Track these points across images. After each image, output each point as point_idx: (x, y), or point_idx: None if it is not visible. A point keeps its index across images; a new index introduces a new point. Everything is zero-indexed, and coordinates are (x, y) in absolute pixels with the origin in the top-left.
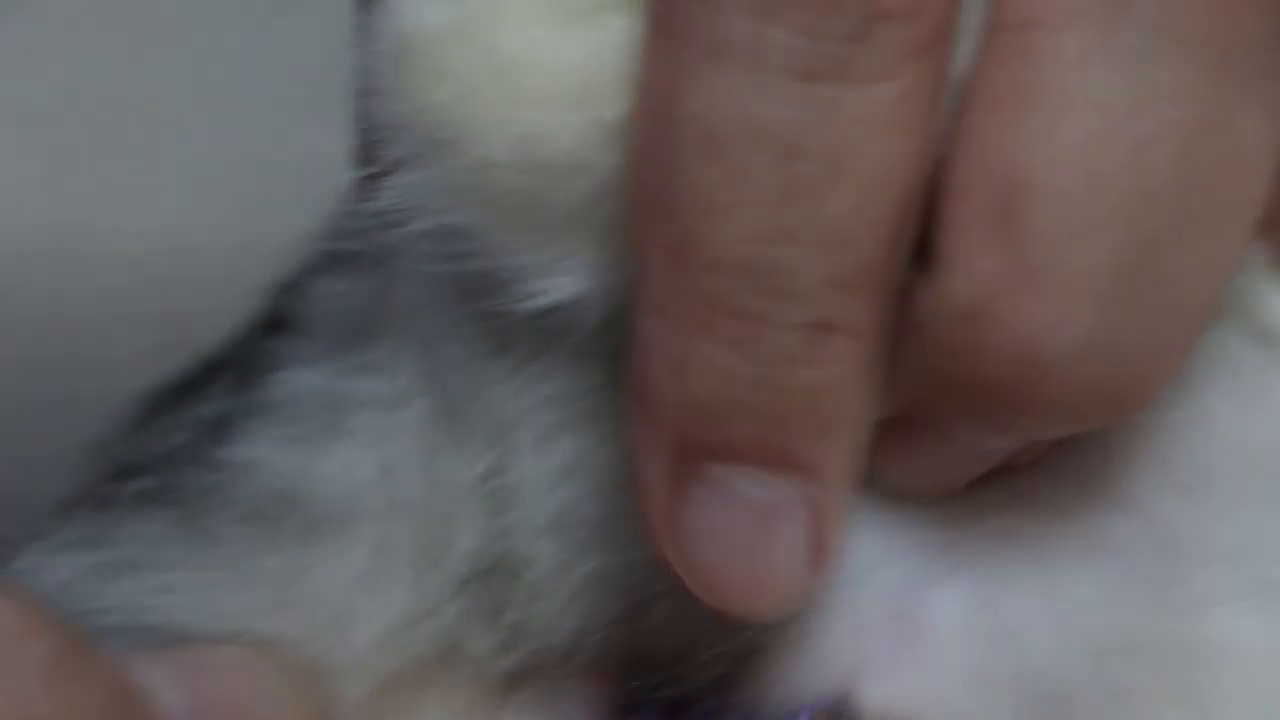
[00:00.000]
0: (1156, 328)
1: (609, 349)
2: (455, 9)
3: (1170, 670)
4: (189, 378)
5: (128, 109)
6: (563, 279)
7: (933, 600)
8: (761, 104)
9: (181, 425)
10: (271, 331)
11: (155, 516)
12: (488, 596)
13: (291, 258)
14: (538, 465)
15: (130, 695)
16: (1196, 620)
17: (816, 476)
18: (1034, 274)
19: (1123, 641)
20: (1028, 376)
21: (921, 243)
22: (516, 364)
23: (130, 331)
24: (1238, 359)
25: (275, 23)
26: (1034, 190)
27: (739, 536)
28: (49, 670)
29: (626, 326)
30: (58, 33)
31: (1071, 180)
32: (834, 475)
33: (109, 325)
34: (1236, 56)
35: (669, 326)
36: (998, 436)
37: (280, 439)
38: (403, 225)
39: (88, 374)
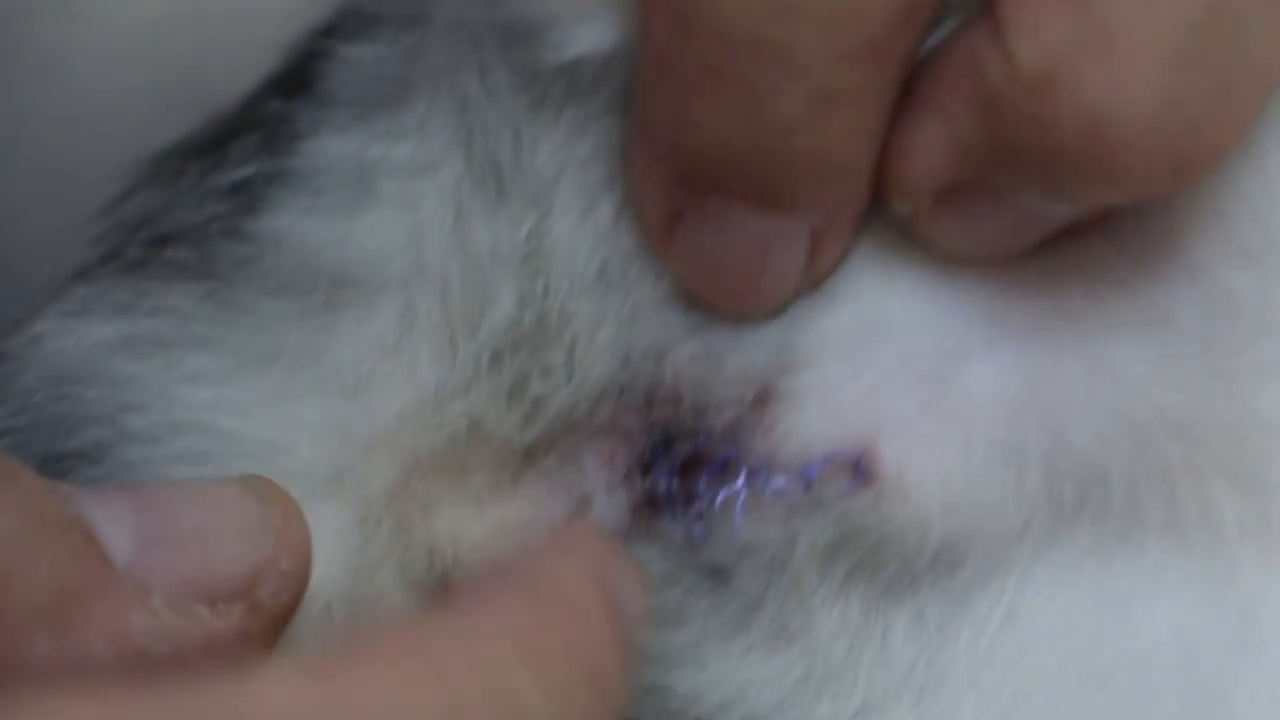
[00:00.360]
0: (1227, 91)
1: None
2: None
3: (1218, 447)
4: (213, 142)
5: None
6: (593, 28)
7: (969, 367)
8: None
9: (208, 193)
10: (299, 96)
11: (185, 288)
12: (517, 367)
13: (308, 11)
14: (579, 224)
15: (54, 522)
16: (1248, 395)
17: (818, 214)
18: (1105, 38)
19: (1168, 420)
20: (1096, 145)
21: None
22: (553, 121)
23: (142, 91)
24: None
25: None
26: None
27: (735, 256)
28: None
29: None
30: None
31: None
32: (834, 209)
33: (119, 84)
34: None
35: (669, 83)
36: (1061, 203)
37: (308, 208)
38: None
39: (100, 136)
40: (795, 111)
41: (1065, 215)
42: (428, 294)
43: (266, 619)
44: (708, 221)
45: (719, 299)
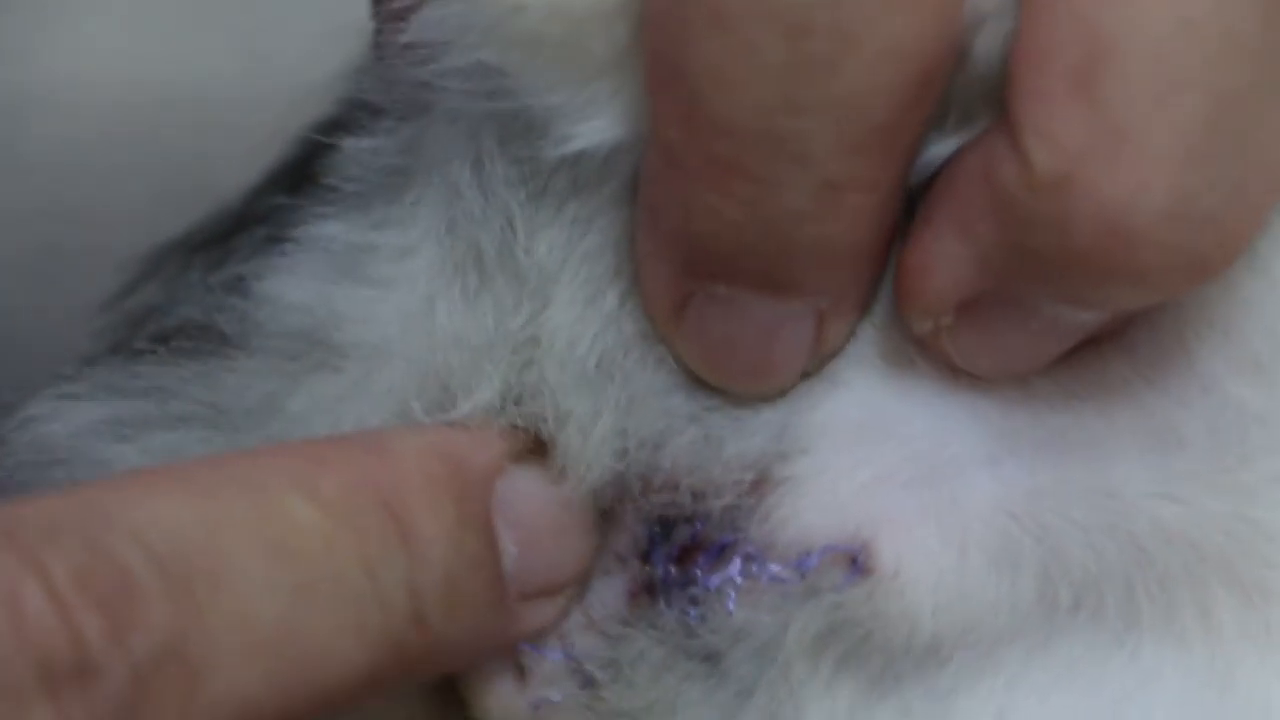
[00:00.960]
0: (1243, 185)
1: None
2: None
3: (1218, 557)
4: (216, 236)
5: None
6: (598, 122)
7: (970, 474)
8: None
9: (213, 288)
10: (301, 190)
11: (177, 370)
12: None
13: (311, 102)
14: (582, 315)
15: None
16: (1252, 507)
17: (823, 295)
18: (1119, 137)
19: (1169, 533)
20: (1116, 245)
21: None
22: (554, 214)
23: (144, 181)
24: None
25: None
26: (1117, 47)
27: (743, 339)
28: None
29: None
30: None
31: (1157, 34)
32: (841, 291)
33: (123, 174)
34: None
35: (676, 174)
36: (1082, 309)
37: (301, 287)
38: (434, 62)
39: (102, 226)
40: (803, 202)
41: (1087, 324)
42: (388, 369)
43: None
44: (715, 306)
45: (727, 381)
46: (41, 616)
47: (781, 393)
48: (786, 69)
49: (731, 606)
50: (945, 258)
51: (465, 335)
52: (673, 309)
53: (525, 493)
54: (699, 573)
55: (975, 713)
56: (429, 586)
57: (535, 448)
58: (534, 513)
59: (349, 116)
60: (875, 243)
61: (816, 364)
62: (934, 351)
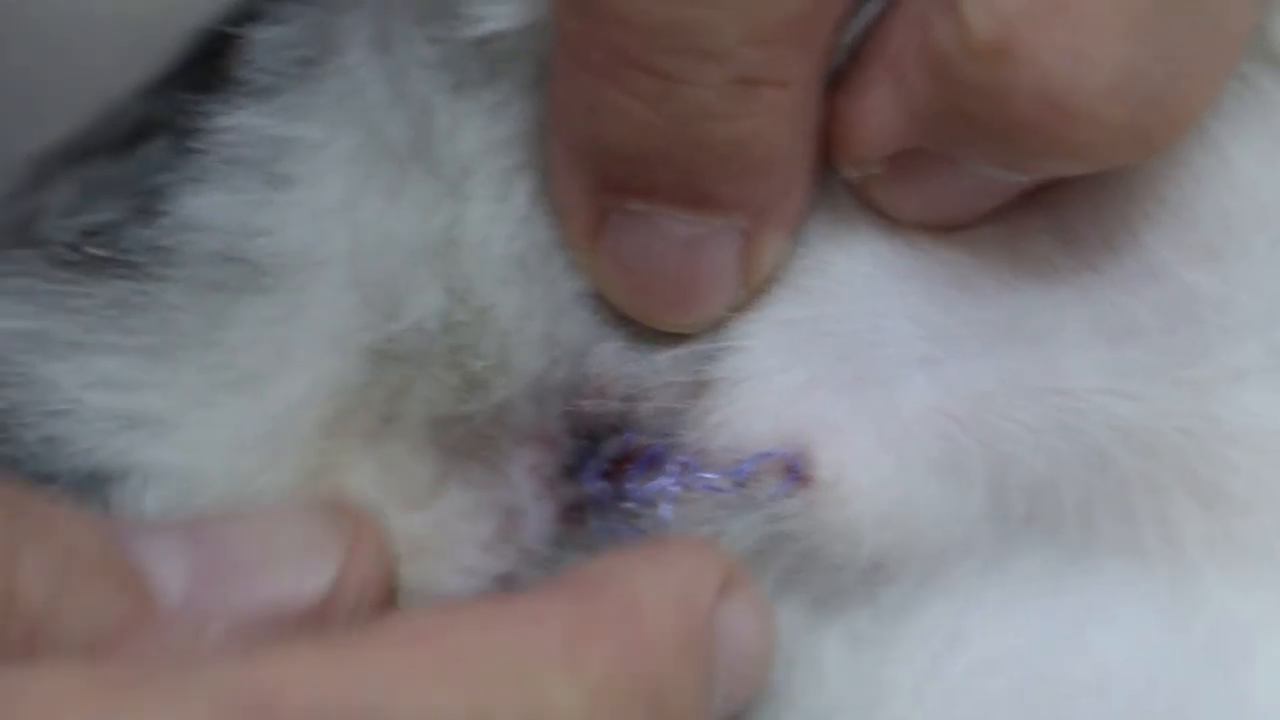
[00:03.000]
0: (1190, 60)
1: None
2: None
3: (1176, 460)
4: (122, 140)
5: None
6: (508, 7)
7: (908, 374)
8: None
9: (122, 192)
10: (210, 90)
11: (103, 292)
12: (441, 354)
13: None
14: (498, 212)
15: (88, 565)
16: (1209, 403)
17: (747, 212)
18: (1061, 4)
19: (1123, 433)
20: (1055, 117)
21: None
22: (470, 103)
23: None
24: (1265, 101)
25: None
26: None
27: (664, 263)
28: None
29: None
30: None
31: None
32: (768, 208)
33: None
34: None
35: (582, 71)
36: (1017, 174)
37: (219, 199)
38: None
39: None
40: (713, 99)
41: (1020, 185)
42: (325, 281)
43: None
44: (633, 225)
45: (649, 312)
46: None
47: (707, 326)
48: None
49: (667, 516)
50: (877, 110)
51: (394, 235)
52: (588, 230)
53: (739, 628)
54: (630, 485)
55: (925, 637)
56: None
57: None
58: (745, 651)
59: (257, 8)
60: (795, 148)
61: (745, 293)
62: (862, 199)
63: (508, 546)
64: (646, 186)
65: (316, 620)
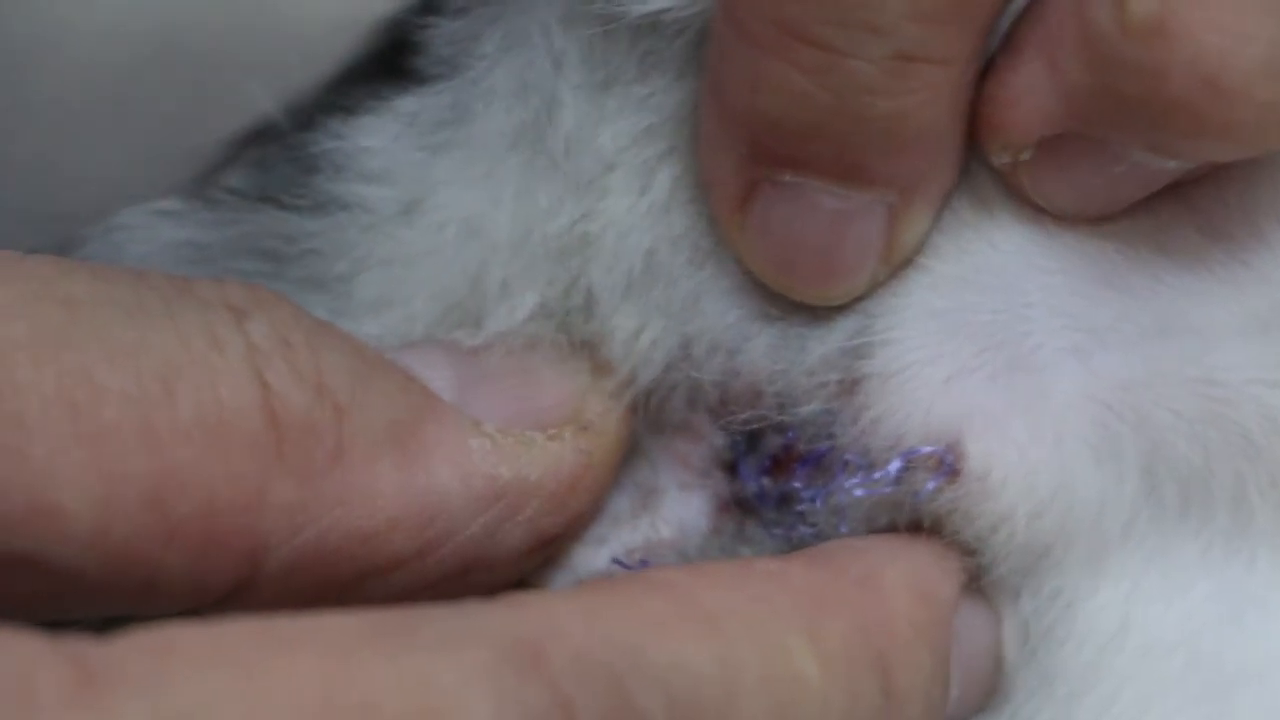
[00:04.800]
0: None
1: None
2: None
3: None
4: (297, 127)
5: None
6: None
7: (1059, 363)
8: None
9: (285, 159)
10: (372, 76)
11: (256, 217)
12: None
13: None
14: (635, 204)
15: (376, 361)
16: None
17: (896, 187)
18: None
19: (1277, 424)
20: (1209, 96)
21: None
22: (609, 97)
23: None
24: None
25: None
26: None
27: (810, 235)
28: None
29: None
30: None
31: None
32: (917, 185)
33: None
34: None
35: (744, 42)
36: (1170, 159)
37: (373, 156)
38: None
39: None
40: (873, 74)
41: (1172, 172)
42: (451, 249)
43: (601, 438)
44: (782, 197)
45: (793, 283)
46: None
47: (848, 298)
48: None
49: (840, 522)
50: (1030, 91)
51: (527, 223)
52: (737, 200)
53: (974, 630)
54: (797, 485)
55: (1092, 624)
56: None
57: (975, 573)
58: (979, 653)
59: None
60: (948, 127)
61: (886, 269)
62: (1010, 186)
63: (640, 525)
64: (800, 158)
65: (572, 419)
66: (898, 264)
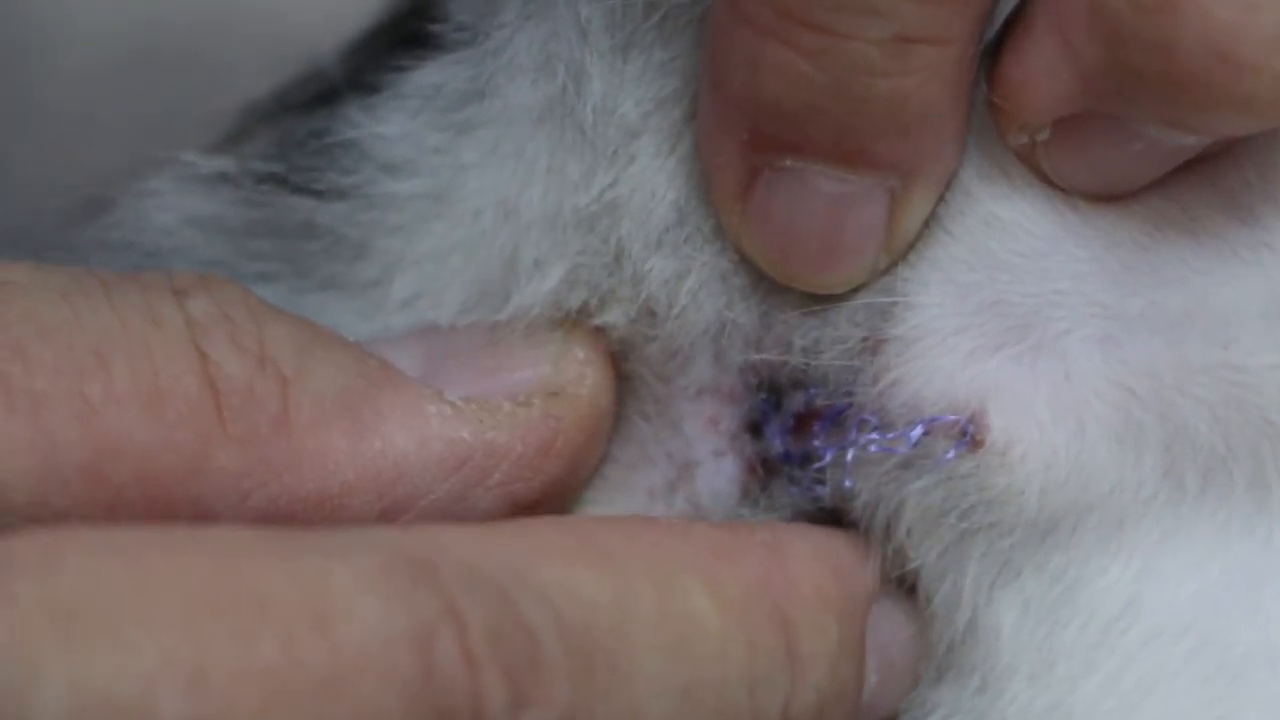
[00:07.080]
0: None
1: None
2: None
3: None
4: (315, 98)
5: None
6: None
7: (1085, 349)
8: None
9: (307, 146)
10: (398, 49)
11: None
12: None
13: None
14: (662, 166)
15: (330, 336)
16: None
17: (897, 170)
18: None
19: None
20: (1222, 68)
21: None
22: (633, 64)
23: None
24: None
25: None
26: None
27: (811, 220)
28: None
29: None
30: None
31: None
32: (918, 167)
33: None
34: None
35: (742, 26)
36: (1187, 134)
37: (398, 137)
38: None
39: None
40: (873, 55)
41: (1191, 147)
42: (473, 222)
43: (573, 403)
44: (783, 183)
45: (793, 270)
46: (450, 670)
47: (849, 285)
48: None
49: (848, 480)
50: (1044, 71)
51: (559, 198)
52: (738, 187)
53: (893, 622)
54: (817, 443)
55: (1100, 603)
56: (800, 713)
57: (896, 580)
58: (897, 644)
59: None
60: (949, 109)
61: (888, 256)
62: (1028, 166)
63: (676, 499)
64: (800, 142)
65: (542, 388)
66: (899, 250)
